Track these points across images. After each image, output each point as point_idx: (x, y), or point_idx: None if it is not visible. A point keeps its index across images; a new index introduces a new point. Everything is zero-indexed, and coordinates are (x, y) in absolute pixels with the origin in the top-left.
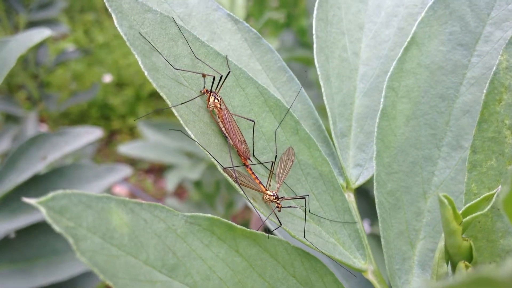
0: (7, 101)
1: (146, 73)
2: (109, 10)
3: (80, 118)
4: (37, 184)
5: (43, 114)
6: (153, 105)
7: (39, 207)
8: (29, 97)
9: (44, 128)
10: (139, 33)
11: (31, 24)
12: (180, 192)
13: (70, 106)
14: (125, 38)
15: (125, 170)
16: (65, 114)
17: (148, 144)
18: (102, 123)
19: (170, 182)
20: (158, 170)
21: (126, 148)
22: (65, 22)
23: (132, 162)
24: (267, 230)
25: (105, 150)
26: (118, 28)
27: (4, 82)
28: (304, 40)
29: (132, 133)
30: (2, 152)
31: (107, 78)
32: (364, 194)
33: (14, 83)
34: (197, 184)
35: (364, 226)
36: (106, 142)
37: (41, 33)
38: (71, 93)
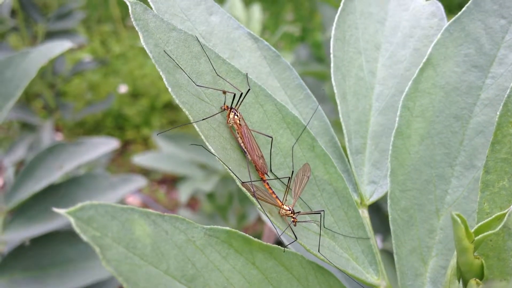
0: (23, 110)
1: (169, 90)
2: (136, 28)
3: (95, 128)
4: (53, 193)
5: (58, 123)
6: (168, 116)
7: (68, 217)
8: (45, 106)
9: (59, 137)
10: (164, 51)
11: (50, 34)
12: (192, 203)
13: (85, 116)
14: (150, 55)
15: (140, 181)
16: (80, 124)
17: (162, 155)
18: (116, 133)
19: (183, 193)
20: (170, 181)
21: (140, 158)
22: (82, 33)
23: (145, 172)
24: (280, 244)
25: (118, 160)
26: (144, 46)
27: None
28: (319, 54)
29: (146, 144)
30: (18, 160)
31: (123, 89)
32: (376, 209)
33: (31, 92)
34: (210, 196)
35: (376, 242)
36: (120, 152)
37: (62, 45)
38: (87, 102)
